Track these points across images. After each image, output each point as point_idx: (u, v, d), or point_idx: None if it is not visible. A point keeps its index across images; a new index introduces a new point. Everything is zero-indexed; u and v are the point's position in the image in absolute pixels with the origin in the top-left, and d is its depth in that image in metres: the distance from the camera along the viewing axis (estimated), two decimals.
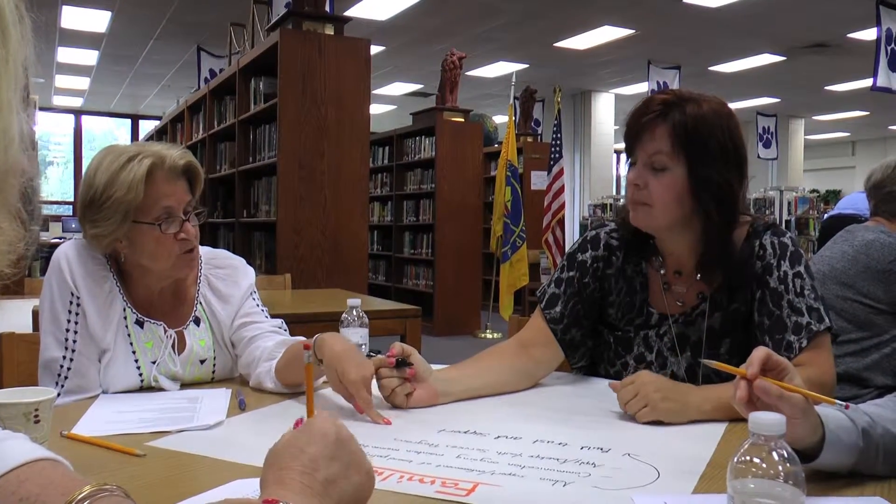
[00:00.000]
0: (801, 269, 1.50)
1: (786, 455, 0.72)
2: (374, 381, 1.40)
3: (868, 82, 8.04)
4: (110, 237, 1.53)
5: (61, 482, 0.75)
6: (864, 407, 1.09)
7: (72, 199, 15.42)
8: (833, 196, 17.58)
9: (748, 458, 0.73)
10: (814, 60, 11.20)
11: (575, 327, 1.66)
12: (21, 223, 0.68)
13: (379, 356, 1.45)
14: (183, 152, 1.58)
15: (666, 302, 1.61)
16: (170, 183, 1.55)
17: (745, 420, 0.79)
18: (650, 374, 1.40)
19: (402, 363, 1.43)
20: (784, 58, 11.18)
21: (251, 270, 1.79)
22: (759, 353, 1.00)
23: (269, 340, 1.64)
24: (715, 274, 1.55)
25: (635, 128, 1.53)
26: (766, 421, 0.73)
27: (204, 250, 1.74)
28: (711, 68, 11.95)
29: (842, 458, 1.00)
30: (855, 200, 4.27)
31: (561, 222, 7.84)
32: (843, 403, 1.00)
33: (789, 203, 10.30)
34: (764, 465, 0.72)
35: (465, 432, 1.26)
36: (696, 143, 1.47)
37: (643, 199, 1.51)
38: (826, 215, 6.03)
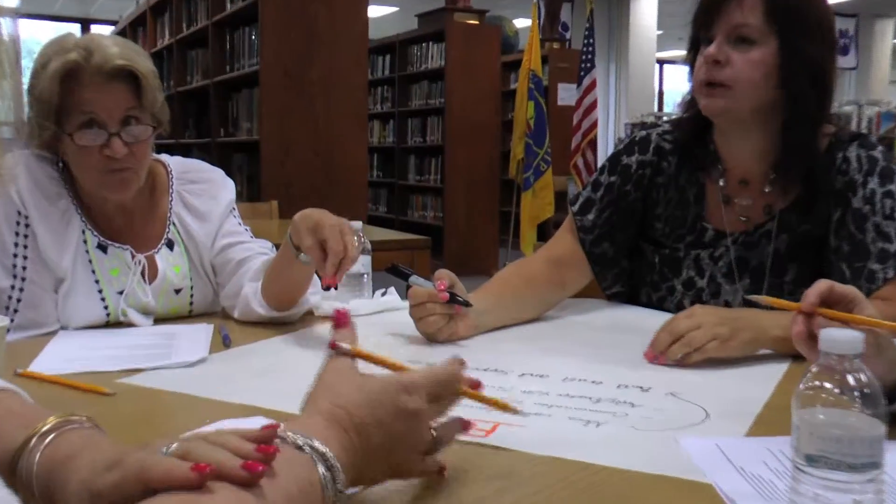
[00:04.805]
0: (894, 187, 1.47)
1: (863, 379, 0.70)
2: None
3: None
4: (39, 139, 1.53)
5: (21, 412, 0.76)
6: None
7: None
8: None
9: (818, 383, 0.71)
10: None
11: (607, 241, 1.66)
12: None
13: (423, 286, 1.44)
14: (122, 49, 1.52)
15: (725, 218, 1.60)
16: (96, 87, 1.49)
17: None
18: (706, 306, 1.40)
19: (455, 298, 1.42)
20: None
21: (231, 183, 1.79)
22: (819, 284, 0.99)
23: (258, 262, 1.64)
24: (791, 181, 1.53)
25: None
26: (839, 338, 0.71)
27: (174, 161, 1.74)
28: None
29: None
30: None
31: (592, 144, 7.77)
32: None
33: (870, 119, 10.10)
34: (836, 391, 0.70)
35: (486, 370, 1.27)
36: (794, 13, 1.45)
37: (721, 79, 1.47)
38: None
